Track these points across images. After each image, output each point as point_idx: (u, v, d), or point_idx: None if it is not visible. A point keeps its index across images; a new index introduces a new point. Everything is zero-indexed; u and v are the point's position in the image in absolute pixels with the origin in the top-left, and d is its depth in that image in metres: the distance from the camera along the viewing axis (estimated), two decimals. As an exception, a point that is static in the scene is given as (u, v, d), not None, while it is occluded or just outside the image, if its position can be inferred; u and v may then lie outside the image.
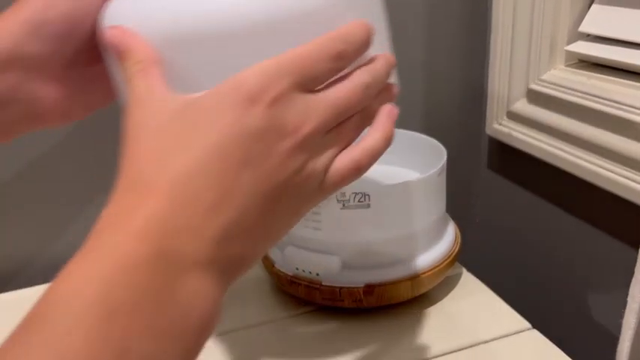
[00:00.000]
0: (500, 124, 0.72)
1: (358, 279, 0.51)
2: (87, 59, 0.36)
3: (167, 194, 0.25)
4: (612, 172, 0.56)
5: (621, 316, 0.47)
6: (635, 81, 0.56)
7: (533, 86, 0.65)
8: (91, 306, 0.23)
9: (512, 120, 0.70)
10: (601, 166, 0.57)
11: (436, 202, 0.55)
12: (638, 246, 0.46)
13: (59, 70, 0.35)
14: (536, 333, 0.52)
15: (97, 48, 0.34)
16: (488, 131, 0.74)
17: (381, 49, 0.34)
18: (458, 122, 0.77)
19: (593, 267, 0.64)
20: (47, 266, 0.66)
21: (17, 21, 0.33)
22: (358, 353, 0.51)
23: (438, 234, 0.56)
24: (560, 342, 0.51)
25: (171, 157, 0.26)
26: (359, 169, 0.31)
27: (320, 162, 0.29)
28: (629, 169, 0.55)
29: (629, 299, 0.45)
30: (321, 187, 0.30)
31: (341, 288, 0.51)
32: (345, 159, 0.30)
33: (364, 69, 0.31)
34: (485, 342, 0.51)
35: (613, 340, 0.48)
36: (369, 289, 0.51)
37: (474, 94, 0.77)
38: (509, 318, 0.54)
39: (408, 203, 0.52)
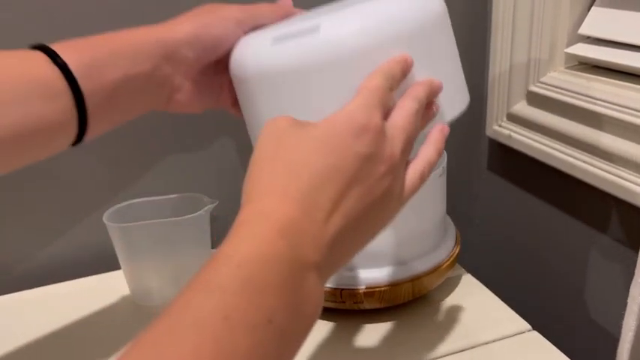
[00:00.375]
0: (500, 126, 0.72)
1: (359, 281, 0.51)
2: (214, 71, 0.49)
3: (298, 202, 0.31)
4: (612, 174, 0.56)
5: (621, 317, 0.47)
6: (635, 83, 0.56)
7: (533, 88, 0.66)
8: (247, 281, 0.28)
9: (512, 122, 0.70)
10: (601, 168, 0.57)
11: (437, 203, 0.55)
12: (638, 248, 0.46)
13: (195, 73, 0.47)
14: (536, 334, 0.52)
15: (221, 65, 0.48)
16: (488, 133, 0.74)
17: (433, 73, 0.43)
18: (458, 124, 0.77)
19: (593, 268, 0.64)
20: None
21: (183, 30, 0.45)
22: (359, 354, 0.51)
23: (438, 235, 0.56)
24: (561, 343, 0.51)
25: (300, 171, 0.32)
26: (424, 179, 0.38)
27: (399, 178, 0.36)
28: (629, 172, 0.55)
29: (629, 301, 0.45)
30: (400, 199, 0.37)
31: (342, 290, 0.51)
32: (413, 173, 0.38)
33: (411, 96, 0.38)
34: (486, 343, 0.51)
35: (613, 341, 0.48)
36: (370, 290, 0.51)
37: (473, 96, 0.76)
38: (510, 319, 0.54)
39: (409, 205, 0.52)
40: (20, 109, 0.38)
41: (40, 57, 0.40)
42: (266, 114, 0.45)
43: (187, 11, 0.48)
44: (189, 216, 0.56)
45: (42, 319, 0.57)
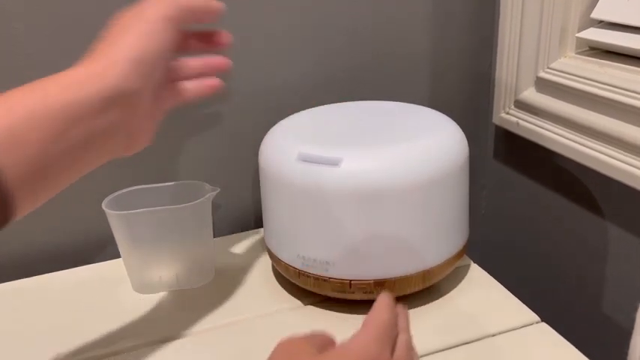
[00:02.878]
0: (507, 113, 0.71)
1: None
2: (162, 97, 0.42)
3: None
4: (625, 162, 0.55)
5: (633, 309, 0.46)
6: (650, 69, 0.55)
7: (543, 74, 0.64)
8: None
9: (519, 109, 0.69)
10: (613, 157, 0.56)
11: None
12: (652, 238, 0.45)
13: (149, 105, 0.40)
14: (545, 326, 0.51)
15: (168, 86, 0.42)
16: (495, 120, 0.73)
17: (440, 215, 0.51)
18: (463, 110, 0.76)
19: (605, 259, 0.63)
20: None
21: (120, 59, 0.37)
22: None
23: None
24: (571, 336, 0.50)
25: None
26: None
27: None
28: (641, 160, 0.54)
29: (643, 293, 0.44)
30: None
31: (352, 280, 0.50)
32: None
33: (404, 329, 0.40)
34: (493, 335, 0.50)
35: (624, 332, 0.47)
36: (381, 280, 0.50)
37: (480, 82, 0.75)
38: (518, 311, 0.53)
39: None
40: None
41: None
42: (277, 210, 0.52)
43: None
44: (191, 203, 0.54)
45: (39, 309, 0.56)
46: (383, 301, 0.39)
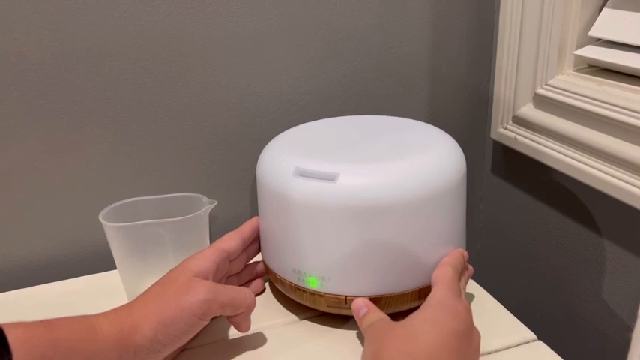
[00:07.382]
0: (505, 129, 0.71)
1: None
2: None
3: None
4: (621, 179, 0.55)
5: (629, 328, 0.46)
6: (646, 88, 0.55)
7: (540, 91, 0.64)
8: None
9: (517, 124, 0.69)
10: (609, 174, 0.56)
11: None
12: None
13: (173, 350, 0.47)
14: (541, 344, 0.51)
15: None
16: (493, 135, 0.73)
17: (440, 228, 0.51)
18: (461, 125, 0.76)
19: (600, 275, 0.63)
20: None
21: (144, 335, 0.43)
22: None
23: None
24: (567, 354, 0.50)
25: (415, 346, 0.40)
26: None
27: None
28: (638, 177, 0.54)
29: None
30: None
31: (347, 296, 0.50)
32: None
33: (466, 277, 0.52)
34: (489, 353, 0.50)
35: (619, 350, 0.47)
36: (377, 296, 0.50)
37: (478, 97, 0.76)
38: (514, 328, 0.53)
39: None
40: None
41: None
42: (274, 224, 0.52)
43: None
44: (188, 216, 0.54)
45: (34, 319, 0.55)
46: (448, 258, 0.49)
